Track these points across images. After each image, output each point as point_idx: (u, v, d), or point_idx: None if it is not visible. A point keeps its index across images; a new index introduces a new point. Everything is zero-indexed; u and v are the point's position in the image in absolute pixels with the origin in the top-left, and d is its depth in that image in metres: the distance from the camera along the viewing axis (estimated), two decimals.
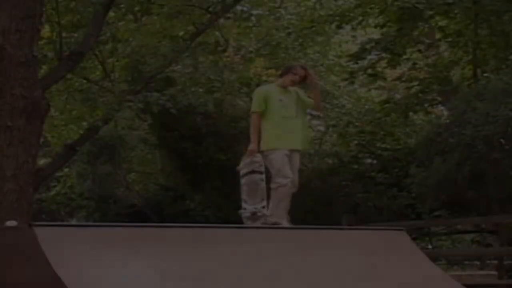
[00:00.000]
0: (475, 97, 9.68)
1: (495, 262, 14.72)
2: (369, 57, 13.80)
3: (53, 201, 18.30)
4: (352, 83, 15.07)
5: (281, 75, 7.39)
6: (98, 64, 14.40)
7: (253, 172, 6.98)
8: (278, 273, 5.45)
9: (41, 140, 11.59)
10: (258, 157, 6.99)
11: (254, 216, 6.88)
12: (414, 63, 14.53)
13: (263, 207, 6.90)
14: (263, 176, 7.01)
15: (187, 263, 5.15)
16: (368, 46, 13.05)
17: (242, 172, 7.01)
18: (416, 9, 11.84)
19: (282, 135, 6.98)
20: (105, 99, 13.55)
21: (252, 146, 7.01)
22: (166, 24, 14.00)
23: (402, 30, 12.35)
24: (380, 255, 6.21)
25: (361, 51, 13.23)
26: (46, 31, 13.07)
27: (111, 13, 13.40)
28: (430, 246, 14.15)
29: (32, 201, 9.71)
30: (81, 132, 14.45)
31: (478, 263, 17.73)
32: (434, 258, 8.40)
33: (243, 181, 7.02)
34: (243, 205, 6.99)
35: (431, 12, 12.67)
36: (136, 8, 14.52)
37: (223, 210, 13.37)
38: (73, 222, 17.50)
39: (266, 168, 7.00)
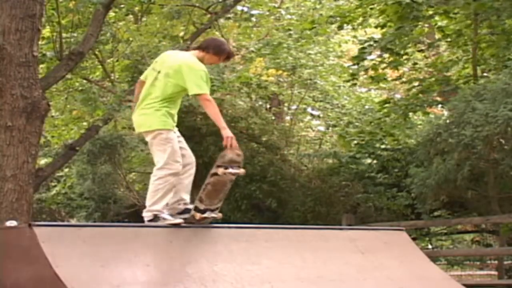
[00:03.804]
0: (475, 97, 9.67)
1: (495, 262, 14.75)
2: (369, 57, 13.77)
3: (53, 201, 18.33)
4: (354, 85, 15.04)
5: (206, 49, 5.98)
6: (98, 64, 14.41)
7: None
8: (278, 272, 5.45)
9: (41, 140, 11.61)
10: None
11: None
12: (414, 63, 14.52)
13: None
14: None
15: (187, 263, 5.15)
16: (367, 46, 13.03)
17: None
18: (413, 4, 11.80)
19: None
20: (105, 99, 13.56)
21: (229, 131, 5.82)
22: (166, 24, 14.01)
23: (402, 29, 12.32)
24: (380, 255, 6.21)
25: (361, 51, 13.20)
26: (46, 31, 13.08)
27: (111, 13, 13.42)
28: (430, 246, 14.15)
29: (32, 201, 9.72)
30: (81, 132, 14.46)
31: (478, 263, 17.75)
32: (434, 258, 8.41)
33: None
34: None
35: (431, 12, 12.66)
36: (136, 8, 14.53)
37: (223, 210, 13.34)
38: (73, 222, 17.53)
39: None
